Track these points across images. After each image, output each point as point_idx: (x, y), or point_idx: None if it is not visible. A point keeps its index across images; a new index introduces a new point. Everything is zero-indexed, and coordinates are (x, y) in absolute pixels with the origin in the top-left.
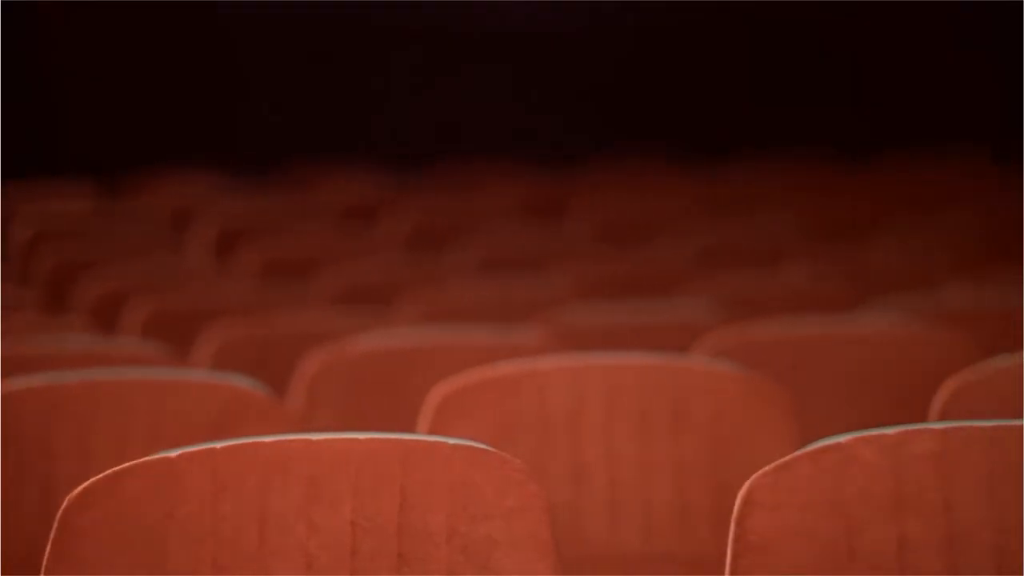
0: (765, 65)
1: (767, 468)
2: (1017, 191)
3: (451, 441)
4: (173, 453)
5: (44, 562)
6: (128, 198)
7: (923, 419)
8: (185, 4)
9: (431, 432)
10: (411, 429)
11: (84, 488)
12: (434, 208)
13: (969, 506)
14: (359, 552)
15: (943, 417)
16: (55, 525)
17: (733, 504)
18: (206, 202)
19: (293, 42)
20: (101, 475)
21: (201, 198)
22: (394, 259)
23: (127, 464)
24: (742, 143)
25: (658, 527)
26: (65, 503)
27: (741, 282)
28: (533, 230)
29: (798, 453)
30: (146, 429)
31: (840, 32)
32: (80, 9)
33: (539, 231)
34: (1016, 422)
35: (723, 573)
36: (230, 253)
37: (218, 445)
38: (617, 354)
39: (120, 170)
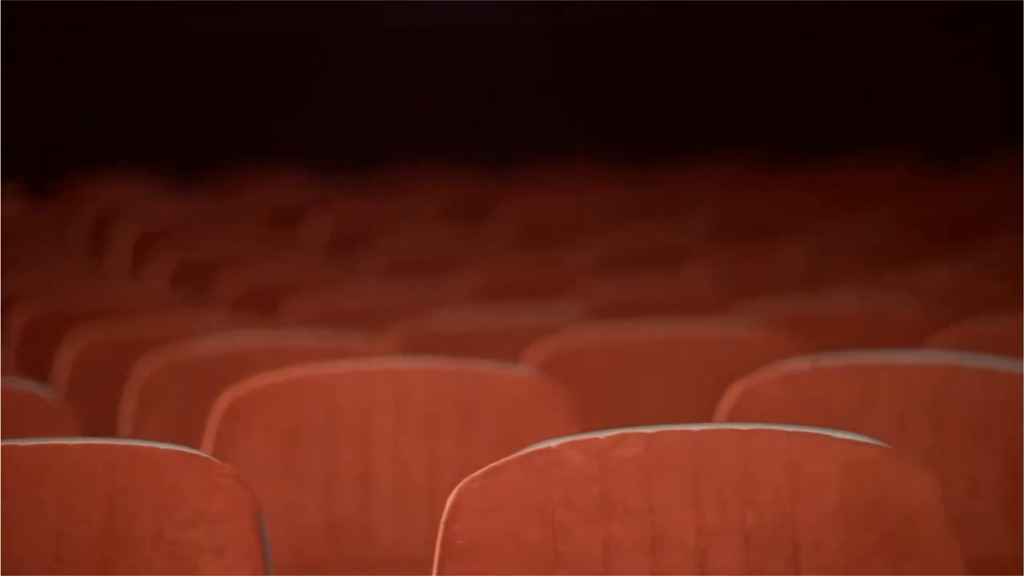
0: (702, 66)
1: (477, 473)
2: (943, 193)
3: (161, 446)
4: None
5: None
6: (57, 200)
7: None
8: (117, 5)
9: (217, 438)
10: None
11: None
12: (358, 211)
13: (672, 509)
14: (63, 560)
15: (731, 419)
16: None
17: None
18: (132, 205)
19: (232, 46)
20: None
21: (129, 201)
22: (306, 261)
23: None
24: (676, 145)
25: None
26: None
27: (634, 285)
28: (453, 233)
29: (509, 458)
30: None
31: (782, 34)
32: (9, 9)
33: (458, 234)
34: (722, 426)
35: None
36: (147, 256)
37: None
38: (406, 358)
39: (51, 173)
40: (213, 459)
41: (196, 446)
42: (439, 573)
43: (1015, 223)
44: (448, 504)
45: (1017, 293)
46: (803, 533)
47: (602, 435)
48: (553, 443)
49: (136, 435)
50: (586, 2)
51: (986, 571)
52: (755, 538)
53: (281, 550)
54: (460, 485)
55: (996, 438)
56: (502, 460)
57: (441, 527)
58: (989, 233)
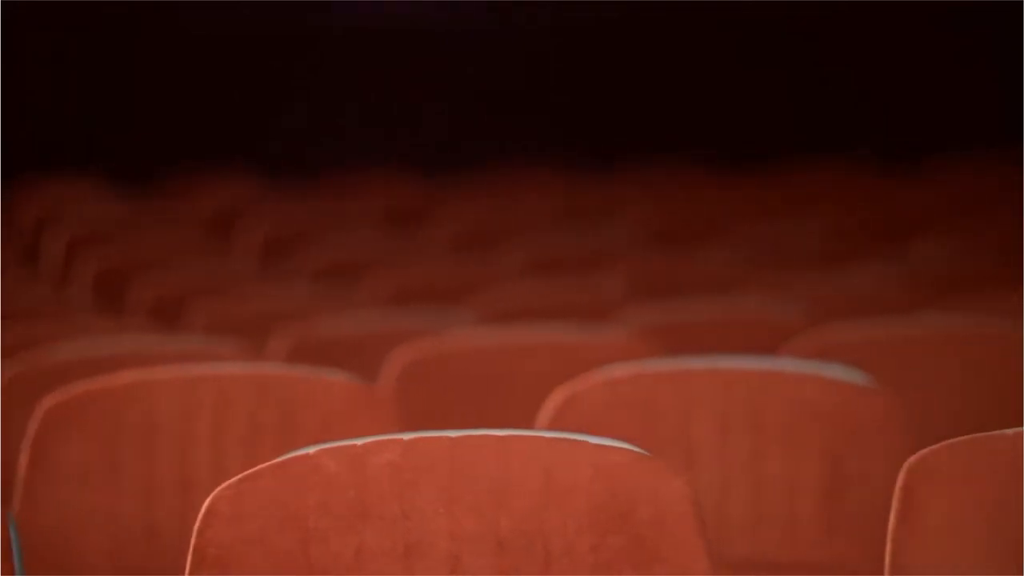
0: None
1: (232, 480)
2: (891, 195)
3: None
4: None
5: None
6: (6, 201)
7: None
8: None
9: (35, 444)
10: None
11: None
12: (296, 215)
13: (426, 515)
14: None
15: (553, 424)
16: None
17: None
18: (70, 207)
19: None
20: None
21: (68, 203)
22: (234, 266)
23: None
24: (632, 148)
25: None
26: None
27: (545, 289)
28: (389, 237)
29: (263, 465)
30: None
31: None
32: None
33: (395, 238)
34: (480, 432)
35: None
36: (78, 260)
37: None
38: (230, 364)
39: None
40: None
41: None
42: None
43: (961, 224)
44: (201, 511)
45: (919, 296)
46: (554, 538)
47: (359, 442)
48: (311, 450)
49: None
50: (551, 4)
51: (804, 573)
52: (508, 543)
53: (100, 554)
54: (214, 492)
55: (813, 442)
56: (257, 467)
57: (193, 534)
58: (928, 236)
